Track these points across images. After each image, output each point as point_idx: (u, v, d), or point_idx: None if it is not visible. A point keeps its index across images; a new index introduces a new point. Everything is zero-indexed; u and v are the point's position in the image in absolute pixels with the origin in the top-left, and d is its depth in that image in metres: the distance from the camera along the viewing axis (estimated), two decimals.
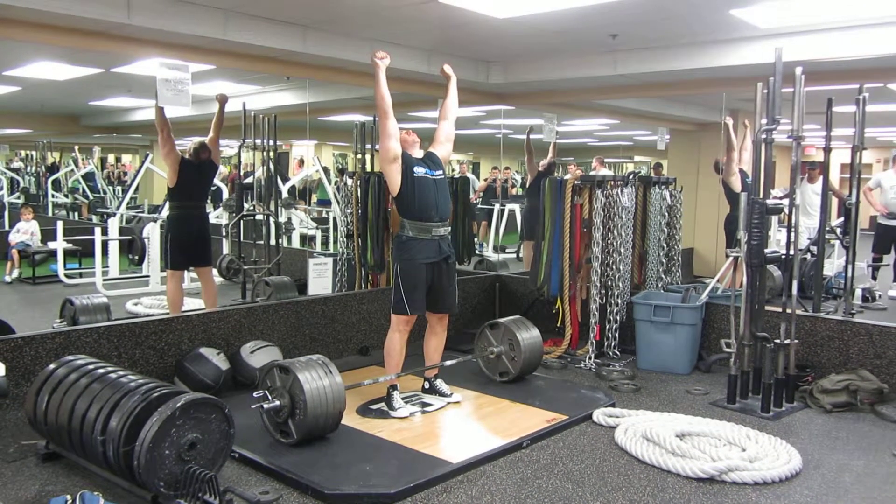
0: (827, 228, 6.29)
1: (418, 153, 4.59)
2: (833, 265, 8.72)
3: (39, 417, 3.55)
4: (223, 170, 15.60)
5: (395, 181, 4.42)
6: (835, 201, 9.27)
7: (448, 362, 4.93)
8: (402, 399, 4.58)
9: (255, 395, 3.89)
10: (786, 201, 4.95)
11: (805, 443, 4.14)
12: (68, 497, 2.79)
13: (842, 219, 7.14)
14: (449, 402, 4.70)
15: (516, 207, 11.57)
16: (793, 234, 4.85)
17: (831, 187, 7.26)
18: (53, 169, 16.47)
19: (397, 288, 4.51)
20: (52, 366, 3.67)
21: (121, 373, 3.49)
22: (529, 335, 5.07)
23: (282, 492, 3.39)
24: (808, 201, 8.98)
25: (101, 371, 3.51)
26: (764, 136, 4.73)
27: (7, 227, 11.43)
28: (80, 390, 3.40)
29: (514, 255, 11.83)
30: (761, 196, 4.71)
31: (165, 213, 6.06)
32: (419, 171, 4.47)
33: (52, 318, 5.78)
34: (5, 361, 3.86)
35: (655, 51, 6.57)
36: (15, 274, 9.34)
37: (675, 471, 3.66)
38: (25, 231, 9.78)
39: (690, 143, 11.02)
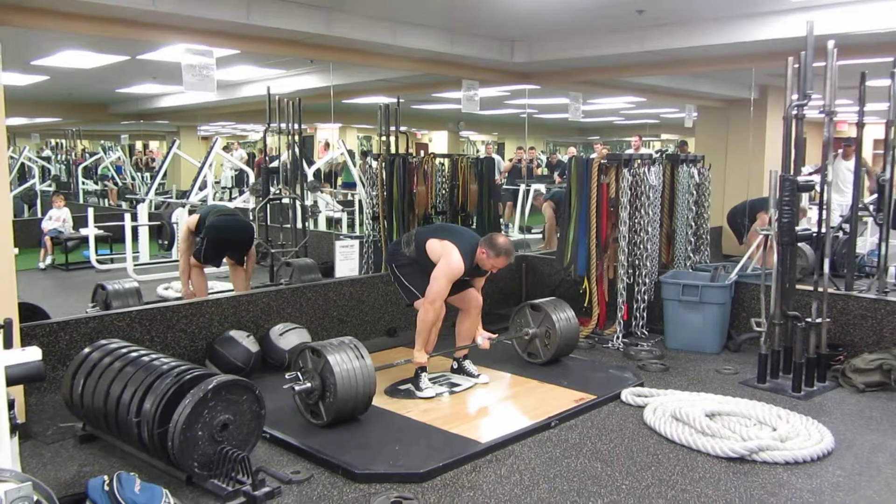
0: (860, 205, 6.16)
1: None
2: (866, 243, 8.56)
3: (76, 400, 3.63)
4: (244, 153, 15.70)
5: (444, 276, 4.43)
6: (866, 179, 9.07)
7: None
8: (430, 380, 4.61)
9: (287, 376, 3.94)
10: (817, 178, 4.86)
11: (837, 422, 4.09)
12: (105, 477, 2.84)
13: (875, 196, 7.00)
14: (477, 383, 4.72)
15: (542, 188, 11.50)
16: (825, 212, 4.77)
17: (864, 164, 7.10)
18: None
19: (401, 284, 4.64)
20: (86, 350, 3.75)
21: (153, 356, 3.55)
22: (567, 323, 5.03)
23: (313, 471, 3.43)
24: (841, 178, 8.78)
25: (135, 354, 3.57)
26: (795, 111, 4.65)
27: (40, 215, 11.62)
28: (115, 373, 3.47)
29: (541, 236, 11.77)
30: (791, 173, 4.64)
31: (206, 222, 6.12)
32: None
33: (85, 304, 5.87)
34: (42, 346, 3.92)
35: (683, 26, 6.46)
36: (48, 260, 9.51)
37: (705, 450, 3.64)
38: (57, 218, 9.94)
39: (719, 120, 10.84)
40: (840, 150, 8.82)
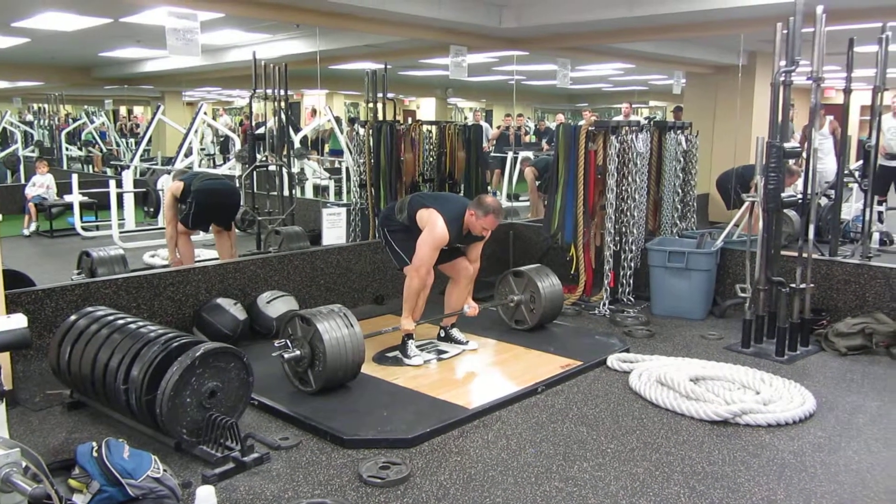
0: (845, 172, 6.20)
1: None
2: (851, 209, 8.62)
3: (63, 368, 3.62)
4: (229, 120, 15.53)
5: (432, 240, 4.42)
6: (853, 145, 9.08)
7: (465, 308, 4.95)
8: (418, 347, 4.63)
9: (276, 343, 3.94)
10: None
11: (819, 385, 4.16)
12: (94, 444, 2.85)
13: (860, 162, 7.03)
14: (465, 350, 4.75)
15: (530, 155, 11.47)
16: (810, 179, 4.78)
17: (834, 128, 7.11)
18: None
19: (392, 249, 4.62)
20: (73, 317, 3.73)
21: (140, 323, 3.54)
22: (551, 288, 5.06)
23: (301, 438, 3.45)
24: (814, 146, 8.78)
25: (121, 322, 3.56)
26: (783, 77, 4.64)
27: (23, 181, 11.48)
28: (102, 340, 3.46)
29: (528, 203, 11.77)
30: (779, 140, 4.64)
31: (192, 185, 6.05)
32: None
33: (70, 271, 5.84)
34: (27, 313, 3.90)
35: None
36: (33, 227, 9.42)
37: (689, 414, 3.70)
38: (41, 184, 9.82)
39: (707, 87, 10.82)
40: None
